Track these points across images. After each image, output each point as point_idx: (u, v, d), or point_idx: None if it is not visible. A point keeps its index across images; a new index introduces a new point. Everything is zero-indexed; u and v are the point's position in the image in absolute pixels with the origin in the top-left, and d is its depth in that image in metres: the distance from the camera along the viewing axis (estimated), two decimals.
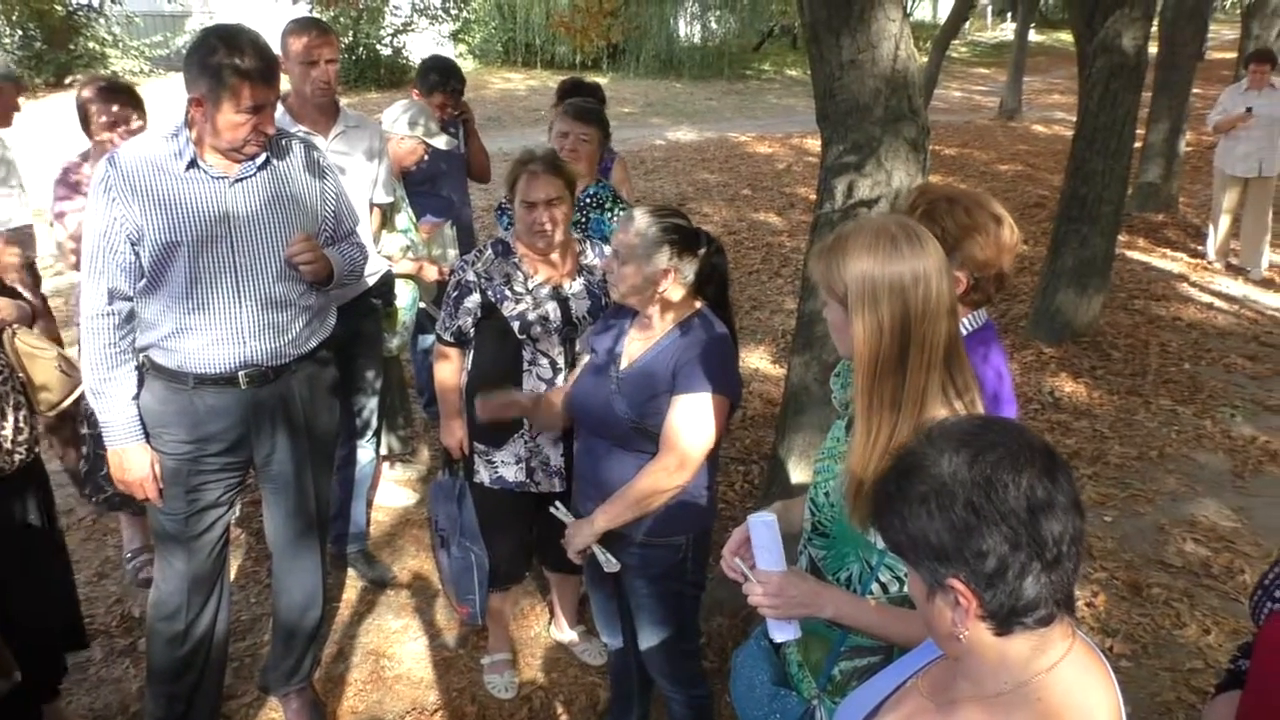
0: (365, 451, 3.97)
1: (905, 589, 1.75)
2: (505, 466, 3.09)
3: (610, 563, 2.63)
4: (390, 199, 3.88)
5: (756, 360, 6.20)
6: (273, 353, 2.76)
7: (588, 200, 3.69)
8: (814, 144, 12.08)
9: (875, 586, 1.78)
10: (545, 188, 2.91)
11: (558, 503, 2.80)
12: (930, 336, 1.64)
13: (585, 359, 2.78)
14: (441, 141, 4.27)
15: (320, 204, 2.85)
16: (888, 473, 1.27)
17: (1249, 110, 7.76)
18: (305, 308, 2.83)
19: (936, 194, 2.17)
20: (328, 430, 3.04)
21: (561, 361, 3.00)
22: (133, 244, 2.58)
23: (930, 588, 1.23)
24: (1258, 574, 4.09)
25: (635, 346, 2.61)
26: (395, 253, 4.09)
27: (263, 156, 2.68)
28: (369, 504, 4.18)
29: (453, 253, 4.65)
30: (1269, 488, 4.87)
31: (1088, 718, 1.19)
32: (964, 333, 2.15)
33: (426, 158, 4.37)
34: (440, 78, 4.87)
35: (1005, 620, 1.19)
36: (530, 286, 3.00)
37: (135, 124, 3.62)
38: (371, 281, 3.75)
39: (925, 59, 12.86)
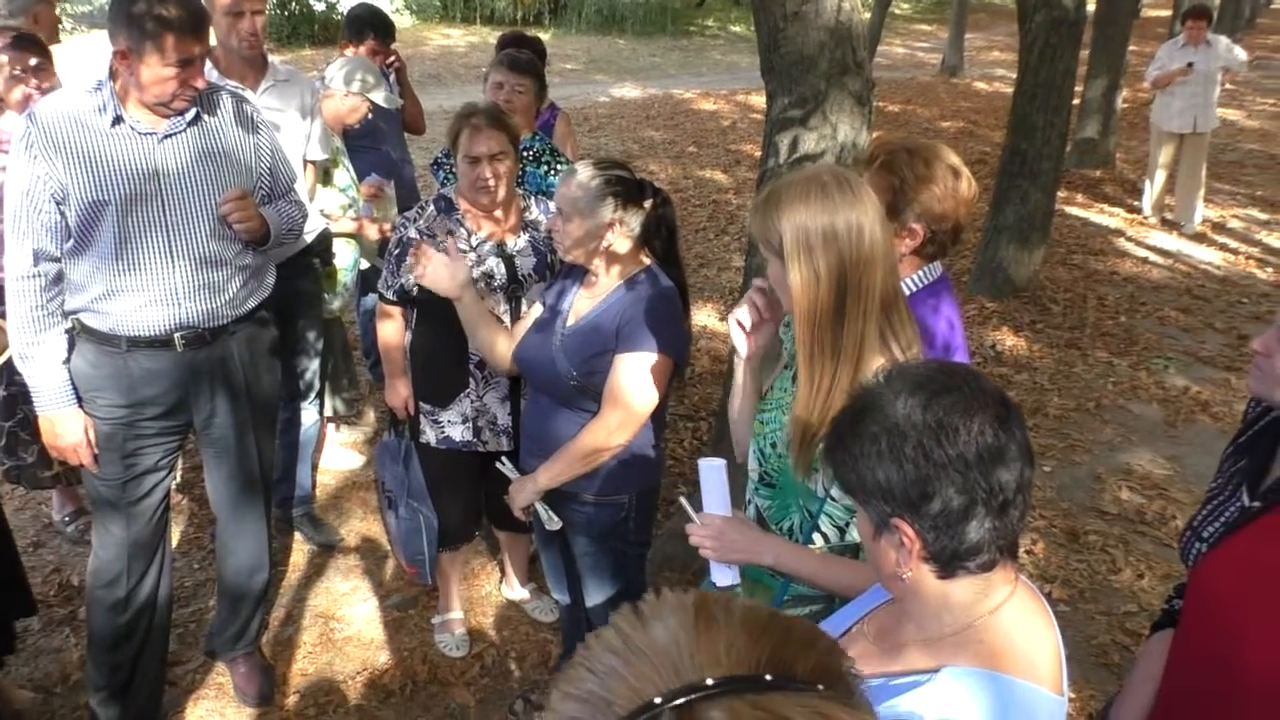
0: (308, 414, 3.92)
1: (846, 539, 1.77)
2: (452, 426, 3.07)
3: (552, 520, 2.63)
4: (325, 155, 3.80)
5: (704, 318, 6.21)
6: (209, 314, 2.70)
7: (524, 153, 3.64)
8: (759, 101, 12.05)
9: (816, 536, 1.80)
10: (488, 142, 2.86)
11: (503, 458, 2.79)
12: (866, 284, 1.65)
13: (534, 310, 2.75)
14: (380, 96, 4.18)
15: (255, 160, 2.77)
16: (844, 410, 1.28)
17: (1190, 65, 7.87)
18: (242, 267, 2.76)
19: (895, 145, 2.17)
20: (269, 392, 2.99)
21: (507, 319, 2.97)
22: (57, 203, 2.49)
23: (877, 527, 1.24)
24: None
25: (582, 304, 2.59)
26: (335, 211, 4.01)
27: (192, 112, 2.60)
28: (314, 467, 4.13)
29: (394, 212, 4.58)
30: (1200, 436, 5.01)
31: (1029, 659, 1.21)
32: (918, 285, 2.16)
33: (371, 115, 4.28)
34: (368, 26, 4.75)
35: (948, 563, 1.21)
36: (474, 243, 2.96)
37: (51, 80, 3.49)
38: (309, 240, 3.68)
39: (868, 15, 12.85)
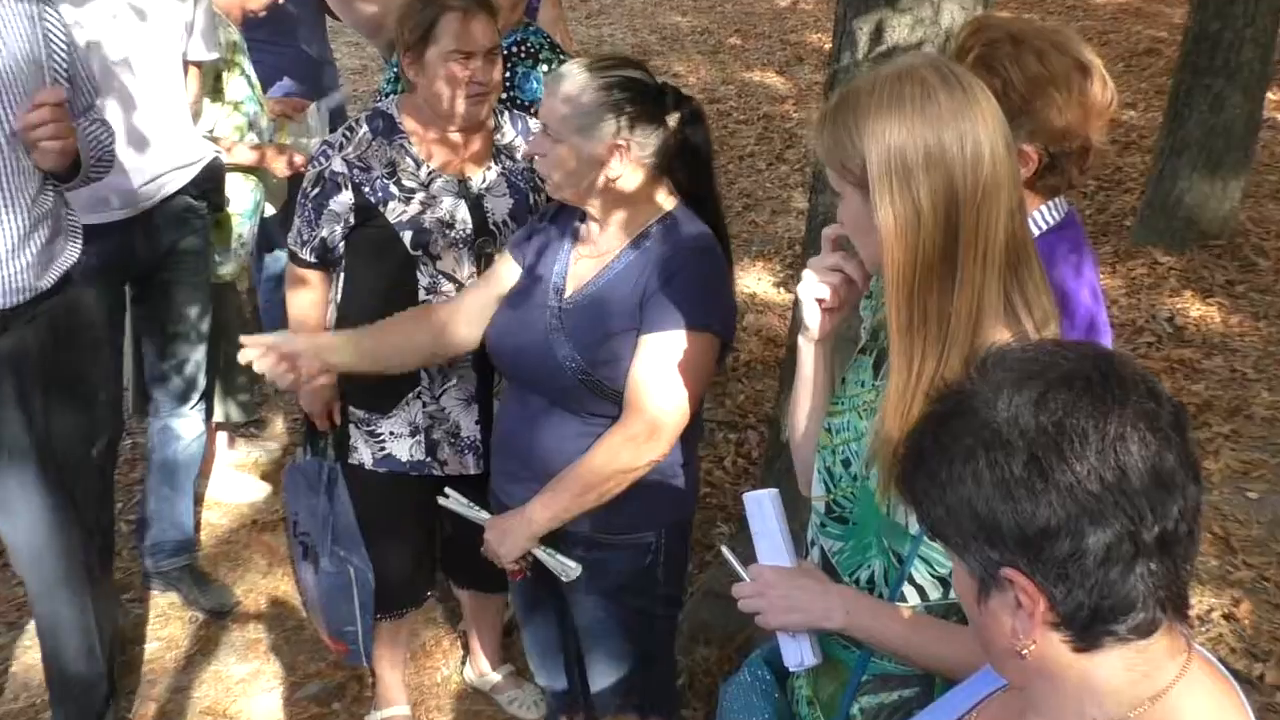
0: (189, 423, 3.95)
1: (950, 596, 1.77)
2: (396, 440, 3.09)
3: (567, 569, 2.64)
4: (214, 54, 3.82)
5: (753, 281, 6.20)
6: None
7: (514, 50, 3.65)
8: None
9: (908, 590, 1.80)
10: (484, 32, 2.90)
11: (449, 490, 2.81)
12: (987, 223, 1.63)
13: (504, 264, 2.77)
14: None
15: (46, 54, 2.76)
16: (923, 419, 1.28)
17: None
18: (43, 217, 2.75)
19: (996, 31, 2.16)
20: (91, 389, 2.99)
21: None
22: None
23: (981, 583, 1.24)
24: None
25: (584, 265, 2.61)
26: (228, 134, 4.03)
27: None
28: (198, 499, 4.16)
29: (315, 141, 4.60)
30: None
31: None
32: (1040, 229, 2.16)
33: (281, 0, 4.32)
34: None
35: (1087, 628, 1.20)
36: (425, 178, 2.98)
37: None
38: (191, 175, 3.70)
39: None
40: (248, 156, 4.09)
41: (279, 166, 4.16)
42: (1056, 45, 2.14)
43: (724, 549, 2.01)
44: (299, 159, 4.18)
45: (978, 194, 1.63)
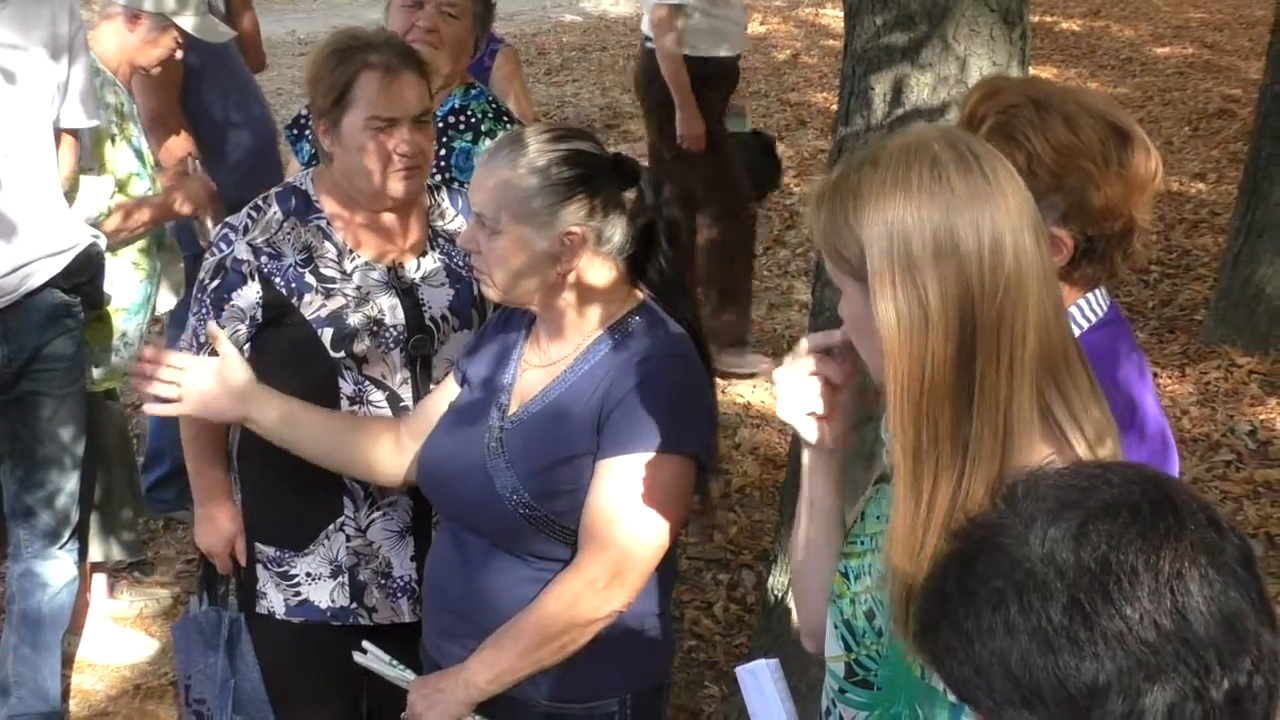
0: (58, 566, 3.91)
1: None
2: (314, 584, 3.07)
3: None
4: (93, 121, 3.84)
5: (747, 390, 6.17)
6: None
7: (452, 119, 3.69)
8: (835, 20, 12.14)
9: None
10: (413, 94, 2.92)
11: (368, 644, 2.79)
12: (1011, 327, 1.64)
13: (447, 390, 2.80)
14: (191, 21, 4.24)
15: None
16: (944, 560, 1.28)
17: None
18: None
19: (1014, 95, 2.18)
20: None
21: (408, 396, 3.00)
22: None
23: None
24: None
25: (532, 377, 2.62)
26: (109, 215, 4.04)
27: None
28: (68, 660, 4.12)
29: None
30: None
31: None
32: (1079, 329, 2.16)
33: (181, 53, 4.35)
34: None
35: None
36: (350, 268, 2.99)
37: None
38: (62, 265, 3.68)
39: None
40: (147, 216, 4.12)
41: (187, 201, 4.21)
42: (1087, 109, 2.16)
43: None
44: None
45: (997, 293, 1.63)
